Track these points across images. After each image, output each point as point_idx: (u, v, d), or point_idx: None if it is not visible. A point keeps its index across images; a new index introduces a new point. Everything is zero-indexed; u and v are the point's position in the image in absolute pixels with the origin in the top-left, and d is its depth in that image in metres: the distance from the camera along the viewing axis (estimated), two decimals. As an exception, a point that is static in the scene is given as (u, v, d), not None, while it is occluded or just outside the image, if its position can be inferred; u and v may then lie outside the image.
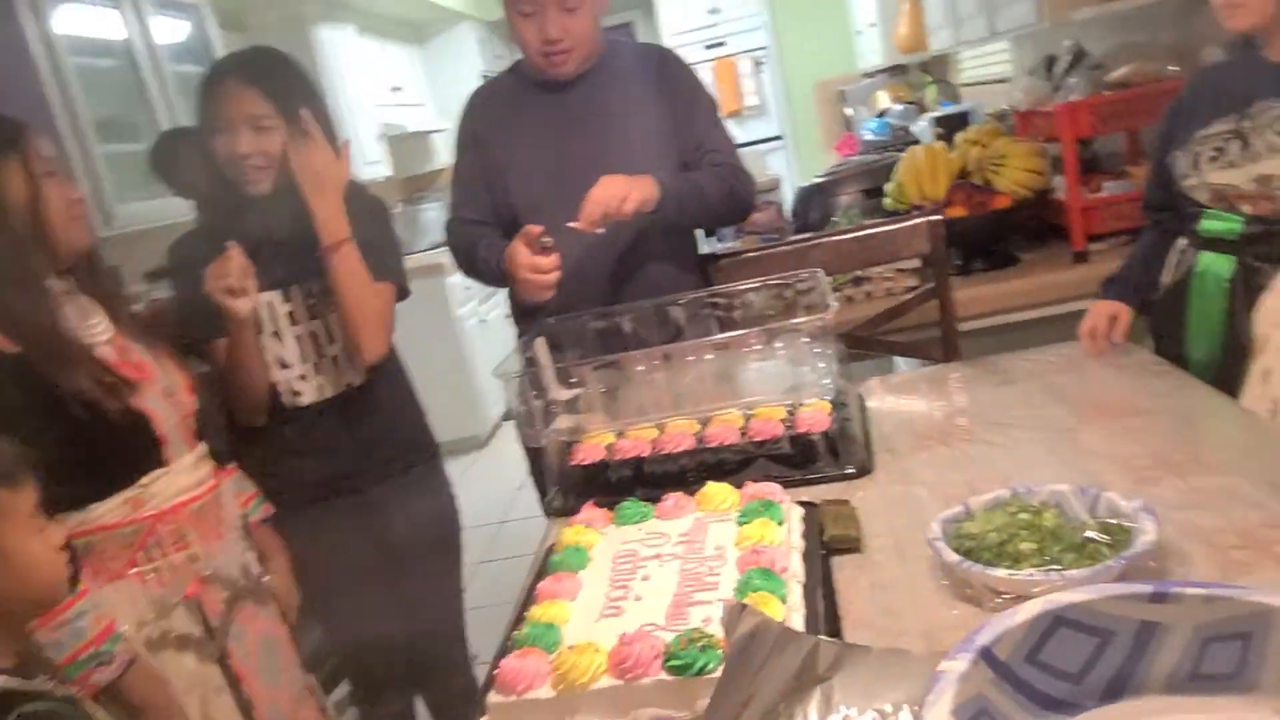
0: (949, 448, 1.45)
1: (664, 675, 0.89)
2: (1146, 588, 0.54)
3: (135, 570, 1.32)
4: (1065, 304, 2.22)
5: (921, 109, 4.92)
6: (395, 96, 5.46)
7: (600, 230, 1.63)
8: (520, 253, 1.68)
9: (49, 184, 1.29)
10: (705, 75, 6.58)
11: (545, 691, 0.92)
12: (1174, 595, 0.53)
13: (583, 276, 1.81)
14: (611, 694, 0.90)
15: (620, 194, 1.61)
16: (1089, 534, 1.02)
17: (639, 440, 1.53)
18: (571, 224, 1.62)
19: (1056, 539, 1.03)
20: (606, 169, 1.71)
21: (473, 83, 6.12)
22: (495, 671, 0.96)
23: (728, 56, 6.67)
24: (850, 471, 1.42)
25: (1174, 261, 1.67)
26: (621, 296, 1.79)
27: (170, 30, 3.28)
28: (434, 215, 5.42)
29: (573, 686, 0.91)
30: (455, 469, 2.01)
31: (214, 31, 3.53)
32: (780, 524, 1.16)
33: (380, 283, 1.70)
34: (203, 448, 1.46)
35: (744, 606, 0.86)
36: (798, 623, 0.98)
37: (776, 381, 1.60)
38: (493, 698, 0.94)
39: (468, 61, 6.18)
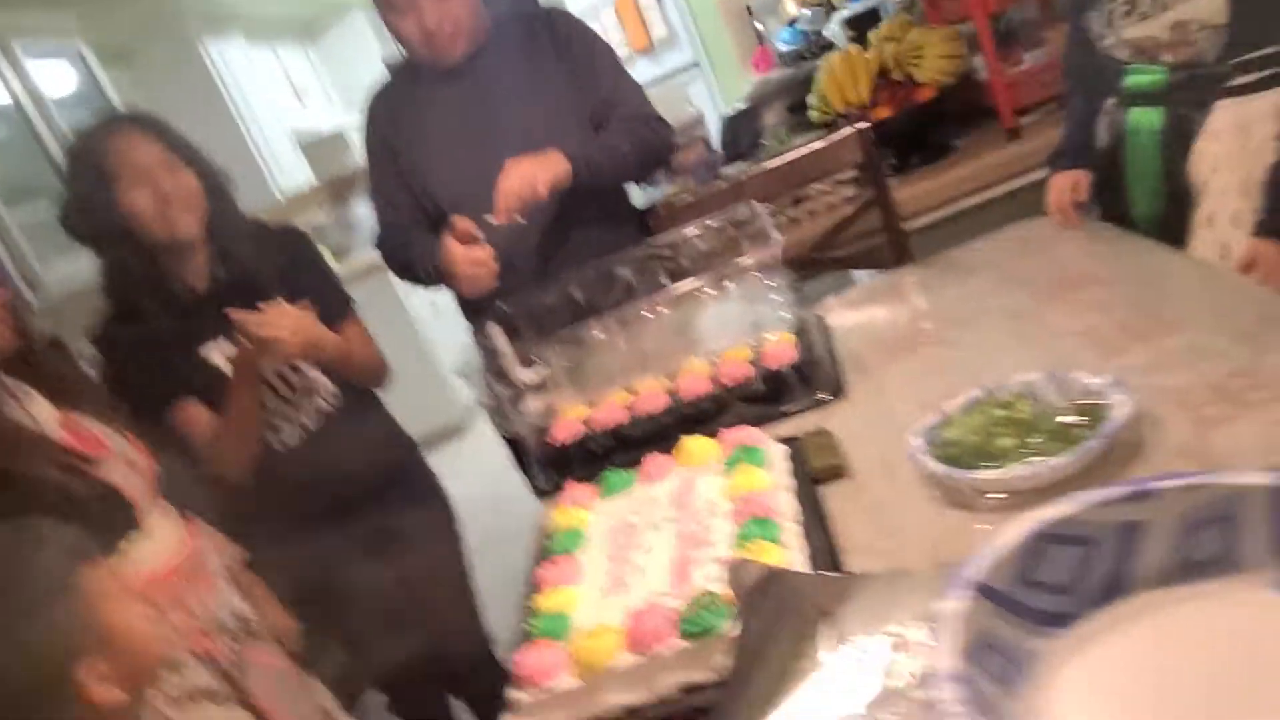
0: (916, 354, 1.45)
1: (682, 643, 0.90)
2: (1125, 489, 0.55)
3: None
4: (1006, 182, 2.23)
5: (831, 8, 4.87)
6: (301, 101, 5.33)
7: (520, 219, 1.61)
8: (454, 249, 1.66)
9: None
10: (608, 17, 6.48)
11: (567, 681, 0.92)
12: (1153, 492, 0.54)
13: (520, 257, 1.78)
14: (633, 671, 0.90)
15: (529, 178, 1.59)
16: (1065, 418, 1.03)
17: (613, 407, 1.53)
18: (488, 217, 1.60)
19: (1034, 430, 1.04)
20: (517, 147, 1.68)
21: (375, 72, 5.96)
22: (514, 668, 0.96)
23: (628, -7, 6.54)
24: (824, 398, 1.42)
25: (1105, 123, 1.67)
26: (562, 267, 1.77)
27: (58, 83, 3.16)
28: (365, 213, 5.31)
29: (593, 670, 0.91)
30: (440, 460, 2.00)
31: (102, 74, 3.41)
32: (765, 467, 1.16)
33: (349, 321, 1.73)
34: (171, 508, 1.43)
35: (745, 561, 0.86)
36: (800, 562, 0.98)
37: (736, 322, 1.59)
38: (516, 694, 0.94)
39: (366, 50, 6.00)
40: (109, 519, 1.31)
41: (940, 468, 1.03)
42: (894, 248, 1.90)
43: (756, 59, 5.49)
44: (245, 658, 1.43)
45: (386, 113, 1.89)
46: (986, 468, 1.00)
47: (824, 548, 1.01)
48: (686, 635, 0.89)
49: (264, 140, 4.52)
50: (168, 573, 1.35)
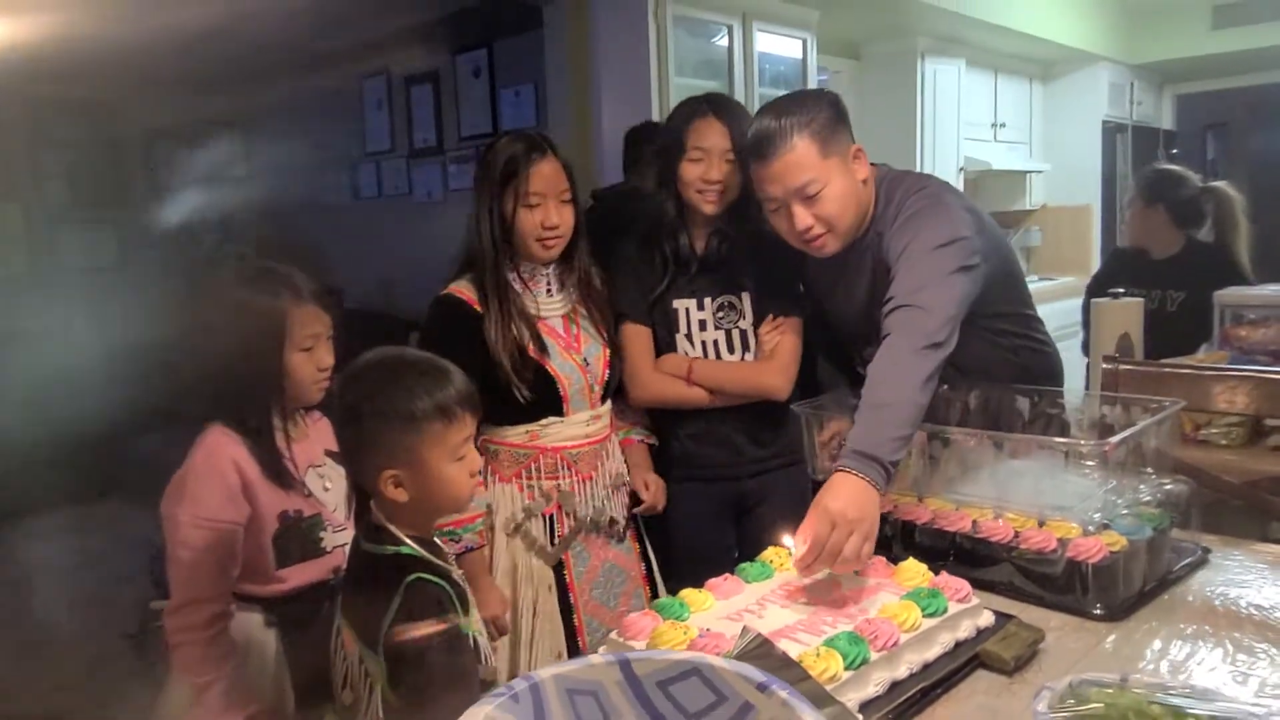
0: (1230, 639, 1.26)
1: (711, 672, 1.07)
2: (758, 677, 0.60)
3: (517, 481, 1.77)
4: None
5: None
6: (994, 132, 5.50)
7: None
8: None
9: (529, 213, 1.73)
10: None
11: (640, 645, 1.16)
12: (770, 691, 0.59)
13: None
14: (674, 668, 1.11)
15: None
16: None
17: (923, 508, 1.60)
18: None
19: (1165, 741, 0.94)
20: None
21: (1091, 129, 5.91)
22: (624, 619, 1.22)
23: None
24: (1096, 612, 1.33)
25: None
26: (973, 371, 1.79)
27: (773, 44, 3.83)
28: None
29: (655, 649, 1.14)
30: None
31: (813, 57, 4.02)
32: (932, 614, 1.20)
33: (791, 319, 1.99)
34: (603, 408, 1.85)
35: (762, 640, 1.00)
36: (858, 691, 1.07)
37: (1088, 498, 1.51)
38: (612, 635, 1.21)
39: (1091, 104, 5.91)
40: (541, 397, 1.77)
41: (1041, 709, 1.00)
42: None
43: None
44: (582, 541, 1.82)
45: None
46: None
47: (886, 703, 1.07)
48: (718, 669, 1.07)
49: (931, 157, 4.85)
50: (555, 448, 1.80)
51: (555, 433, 1.80)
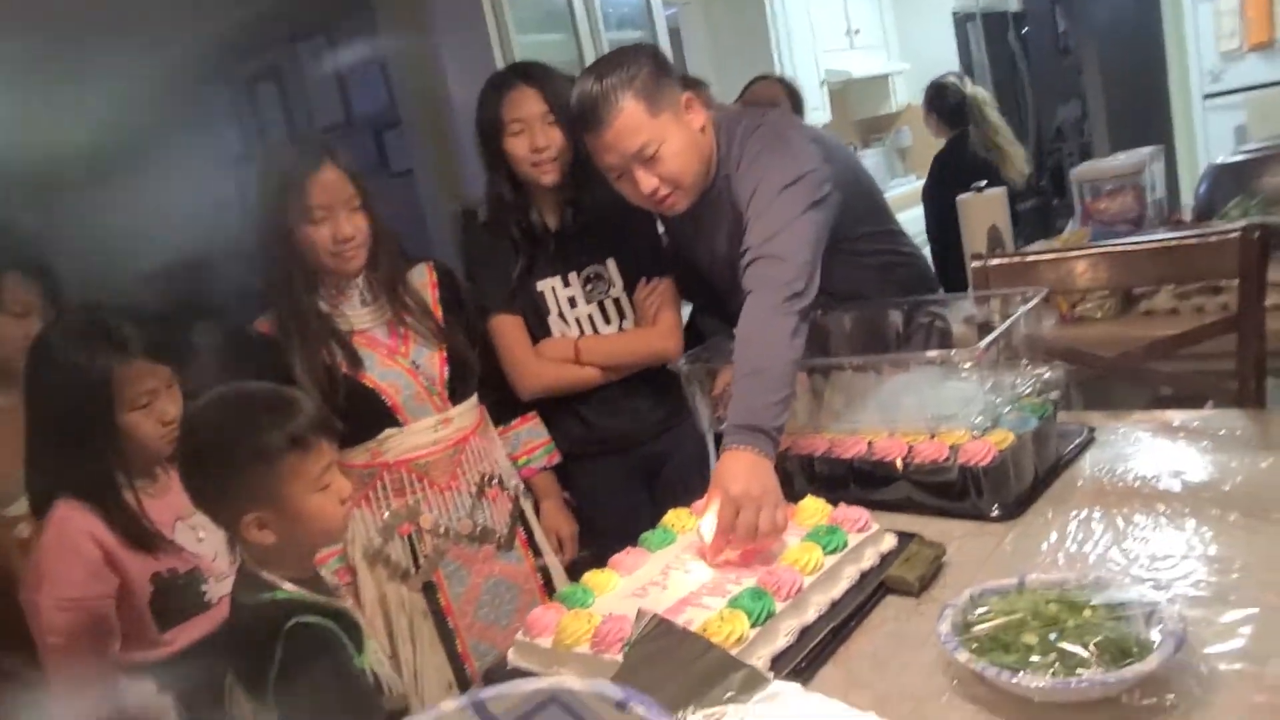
0: (1120, 515, 1.29)
1: (619, 657, 1.05)
2: (616, 695, 0.58)
3: (366, 504, 1.63)
4: None
5: None
6: (850, 40, 5.51)
7: None
8: None
9: (316, 228, 1.57)
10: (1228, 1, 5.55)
11: (546, 642, 1.13)
12: (629, 708, 0.57)
13: None
14: (582, 659, 1.08)
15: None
16: (1101, 640, 0.93)
17: (818, 438, 1.60)
18: None
19: (1063, 637, 0.95)
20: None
21: (943, 22, 5.92)
22: (529, 616, 1.19)
23: (1263, -24, 5.51)
24: (994, 514, 1.35)
25: None
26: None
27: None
28: (871, 160, 5.43)
29: (561, 644, 1.11)
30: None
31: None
32: (833, 551, 1.19)
33: (664, 279, 1.95)
34: (454, 410, 1.71)
35: (659, 620, 0.98)
36: (768, 646, 1.06)
37: (972, 403, 1.53)
38: (518, 635, 1.18)
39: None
40: (367, 412, 1.63)
41: (944, 629, 1.00)
42: (1242, 383, 1.60)
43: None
44: (456, 558, 1.68)
45: None
46: (992, 653, 0.96)
47: (798, 651, 1.06)
48: (624, 654, 1.04)
49: (792, 75, 4.82)
50: (399, 462, 1.66)
51: (397, 444, 1.67)
